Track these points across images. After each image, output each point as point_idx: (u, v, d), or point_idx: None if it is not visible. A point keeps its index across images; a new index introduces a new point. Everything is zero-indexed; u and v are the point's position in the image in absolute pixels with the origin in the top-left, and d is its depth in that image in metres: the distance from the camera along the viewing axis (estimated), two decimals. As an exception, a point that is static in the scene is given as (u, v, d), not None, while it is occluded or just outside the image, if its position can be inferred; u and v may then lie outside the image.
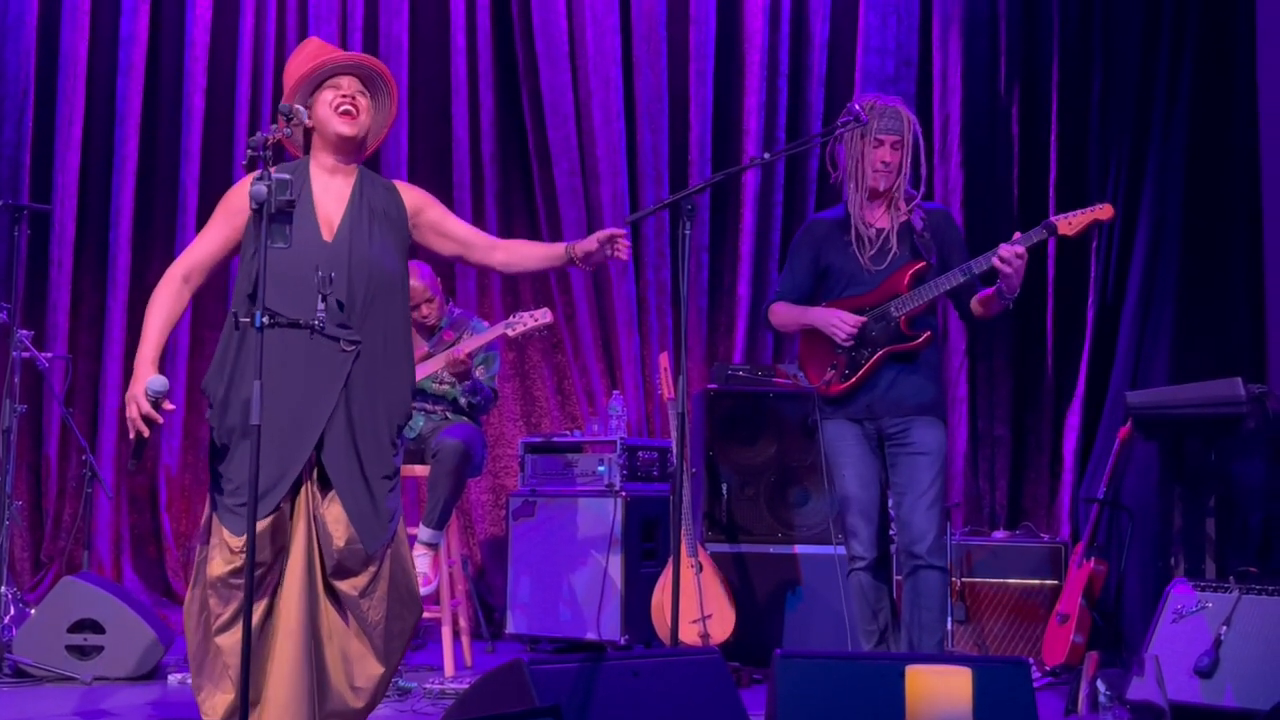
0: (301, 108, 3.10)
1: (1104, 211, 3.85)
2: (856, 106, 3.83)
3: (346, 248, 3.21)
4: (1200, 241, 5.79)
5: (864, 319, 3.92)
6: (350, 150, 3.33)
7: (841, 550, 4.90)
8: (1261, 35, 5.58)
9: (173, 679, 4.56)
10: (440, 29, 6.60)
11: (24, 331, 5.13)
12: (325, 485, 3.18)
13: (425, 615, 4.89)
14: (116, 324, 6.33)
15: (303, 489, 3.16)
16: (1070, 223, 3.84)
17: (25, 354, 5.13)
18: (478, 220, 6.51)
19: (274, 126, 3.07)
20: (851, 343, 3.92)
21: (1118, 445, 4.99)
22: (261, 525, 3.07)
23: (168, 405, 3.09)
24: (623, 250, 3.38)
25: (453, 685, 4.41)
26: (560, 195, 6.45)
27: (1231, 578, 4.15)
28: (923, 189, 4.01)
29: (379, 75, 3.38)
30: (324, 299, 3.05)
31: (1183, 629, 4.07)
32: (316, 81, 3.31)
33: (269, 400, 3.05)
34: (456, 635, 4.90)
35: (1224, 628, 3.98)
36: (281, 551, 3.15)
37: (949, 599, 4.06)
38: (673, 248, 6.42)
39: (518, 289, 6.56)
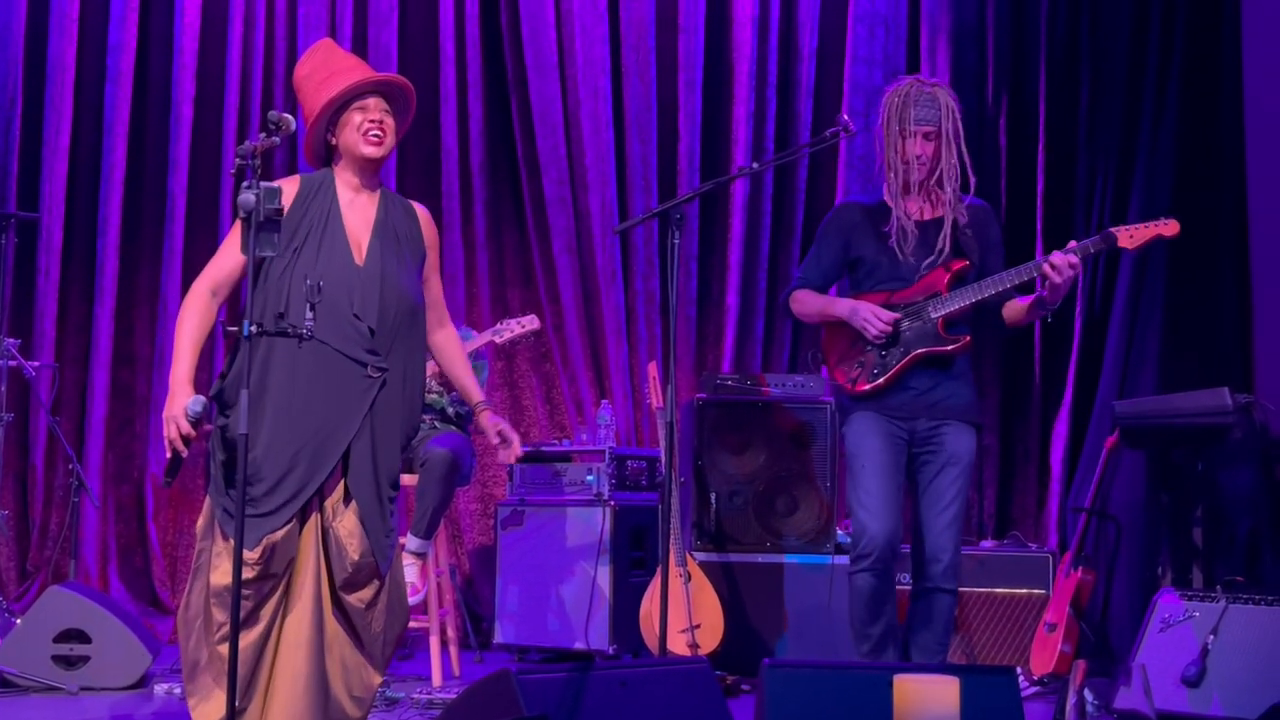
0: (289, 116, 3.11)
1: (1169, 227, 3.62)
2: (844, 117, 3.71)
3: (378, 274, 3.22)
4: (1187, 251, 5.80)
5: (897, 316, 3.70)
6: (374, 171, 3.36)
7: (831, 559, 4.92)
8: (1247, 44, 5.60)
9: (159, 689, 4.55)
10: (429, 38, 6.60)
11: (11, 340, 5.13)
12: (338, 501, 3.21)
13: (413, 625, 4.91)
14: (104, 333, 6.31)
15: (313, 504, 3.18)
16: (1132, 236, 3.60)
17: (12, 362, 5.12)
18: (466, 230, 6.51)
19: (262, 136, 3.07)
20: (883, 340, 3.70)
21: (1105, 455, 5.01)
22: (275, 537, 3.10)
23: (206, 425, 3.16)
24: (509, 457, 3.49)
25: (440, 695, 4.40)
26: (549, 205, 6.45)
27: (1218, 587, 4.16)
28: (972, 182, 3.77)
29: (404, 92, 3.40)
30: (312, 308, 3.06)
31: (1170, 638, 4.08)
32: (344, 101, 3.31)
33: (291, 416, 3.08)
34: (444, 645, 4.89)
35: (1211, 637, 3.99)
36: (290, 564, 3.16)
37: (954, 620, 3.93)
38: (661, 257, 6.42)
39: (506, 299, 6.55)
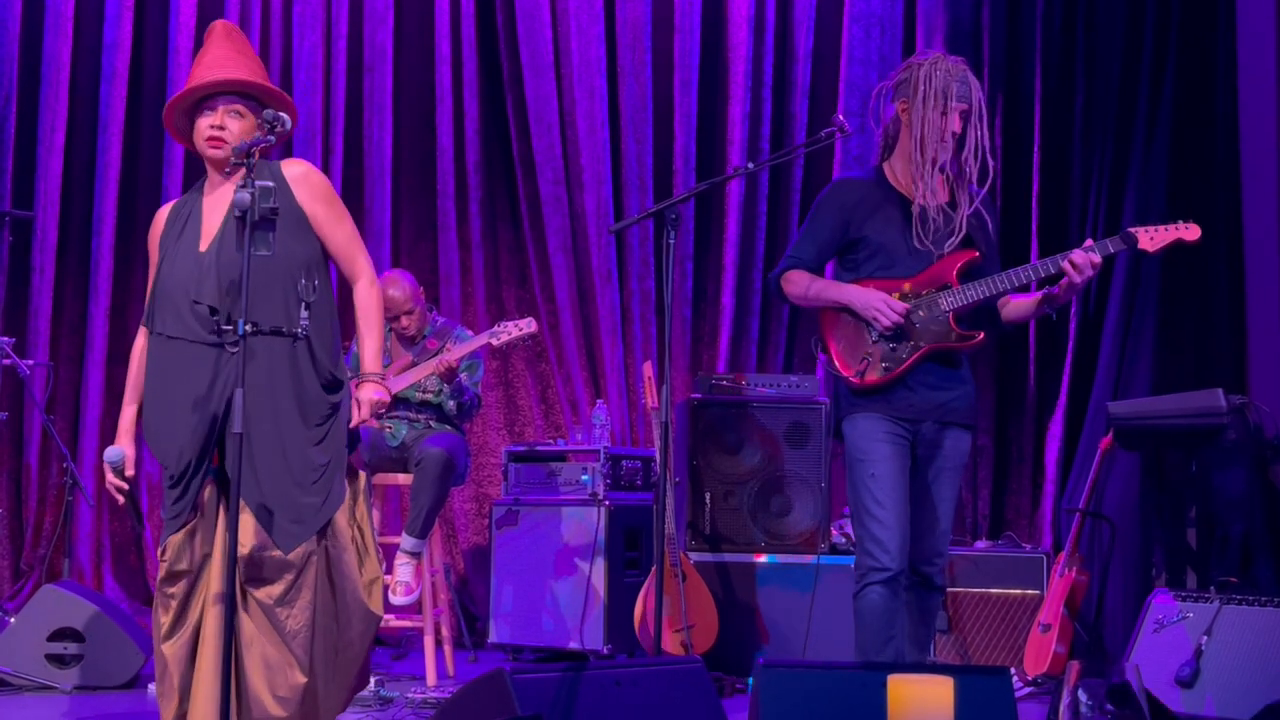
0: (284, 115, 3.10)
1: (1190, 231, 3.45)
2: (840, 118, 3.64)
3: (215, 253, 3.17)
4: (1181, 252, 5.80)
5: (908, 306, 3.50)
6: (230, 169, 3.29)
7: (827, 560, 4.92)
8: (1242, 45, 5.61)
9: (152, 688, 4.54)
10: (425, 37, 6.60)
11: (5, 338, 5.12)
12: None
13: (408, 625, 4.91)
14: (98, 331, 6.30)
15: (219, 496, 3.16)
16: (1152, 238, 3.44)
17: (6, 361, 5.11)
18: (461, 229, 6.51)
19: (256, 135, 3.06)
20: (891, 332, 3.51)
21: (1099, 456, 5.01)
22: (180, 535, 3.12)
23: (129, 471, 3.26)
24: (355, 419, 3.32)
25: (435, 695, 4.40)
26: (545, 204, 6.45)
27: (1212, 588, 4.17)
28: (991, 167, 3.54)
29: (255, 89, 3.29)
30: (307, 307, 3.07)
31: (1164, 639, 4.09)
32: (191, 105, 3.28)
33: (174, 416, 3.11)
34: (439, 644, 4.89)
35: (1205, 638, 3.99)
36: (206, 559, 3.14)
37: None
38: (657, 257, 6.43)
39: (501, 298, 6.55)
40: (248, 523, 3.11)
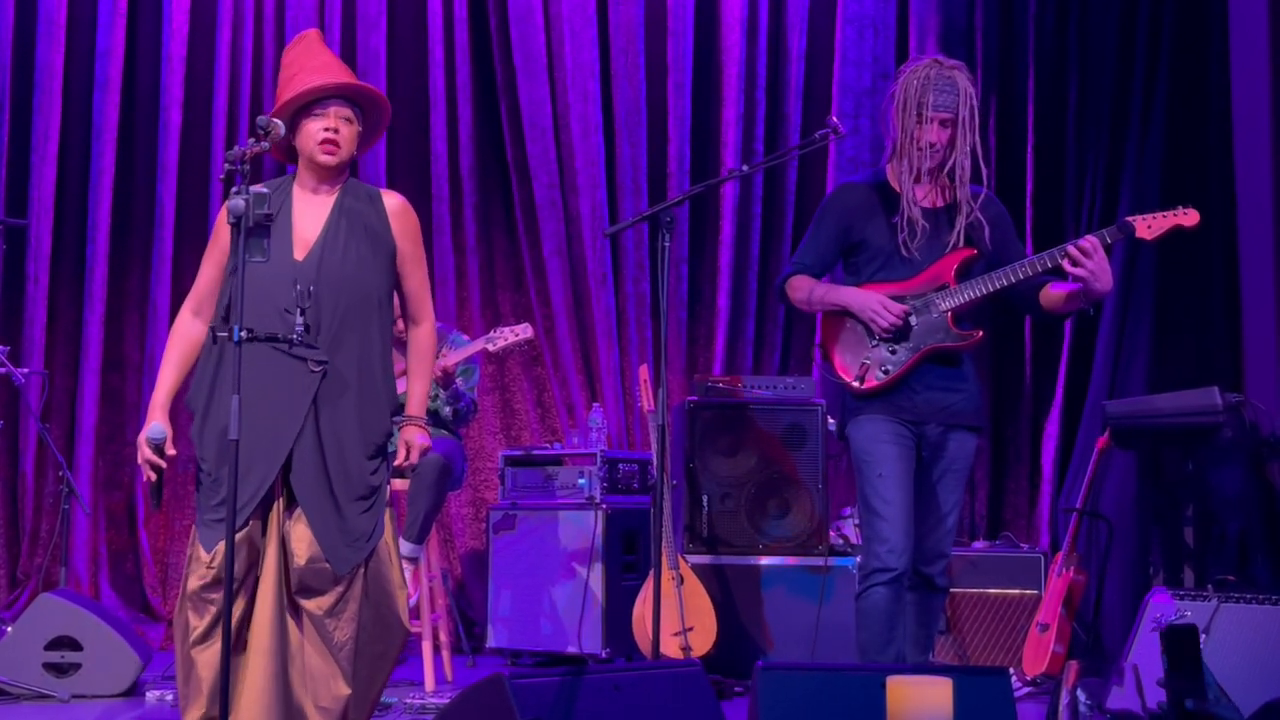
0: (278, 121, 3.10)
1: (1189, 217, 3.43)
2: (834, 119, 3.63)
3: (316, 266, 3.18)
4: (1177, 250, 5.81)
5: (906, 308, 3.55)
6: (335, 173, 3.32)
7: (832, 561, 4.92)
8: (1235, 42, 5.62)
9: (151, 696, 4.53)
10: (418, 42, 6.59)
11: (0, 347, 5.11)
12: (294, 503, 3.16)
13: (405, 630, 4.91)
14: (93, 339, 6.29)
15: (275, 506, 3.15)
16: (1150, 226, 3.44)
17: (1, 369, 5.11)
18: (456, 234, 6.50)
19: (251, 141, 3.07)
20: (890, 334, 3.56)
21: (1096, 455, 5.01)
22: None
23: (170, 450, 3.19)
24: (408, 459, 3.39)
25: (433, 700, 4.39)
26: (539, 208, 6.45)
27: (1210, 586, 4.17)
28: (984, 173, 3.62)
29: (367, 95, 3.35)
30: (303, 313, 3.07)
31: (1162, 638, 4.09)
32: (301, 105, 3.28)
33: (223, 415, 3.06)
34: (437, 649, 4.88)
35: (1203, 636, 3.99)
36: (253, 567, 3.14)
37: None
38: (652, 260, 6.42)
39: (496, 302, 6.55)
40: (304, 536, 3.12)
